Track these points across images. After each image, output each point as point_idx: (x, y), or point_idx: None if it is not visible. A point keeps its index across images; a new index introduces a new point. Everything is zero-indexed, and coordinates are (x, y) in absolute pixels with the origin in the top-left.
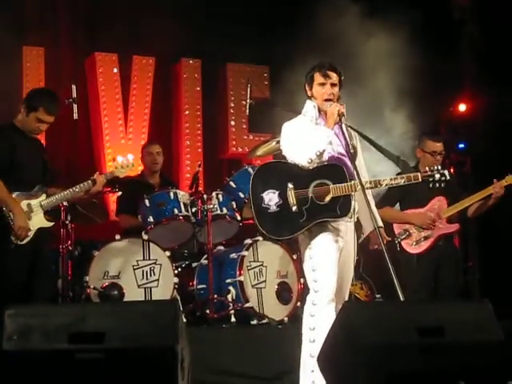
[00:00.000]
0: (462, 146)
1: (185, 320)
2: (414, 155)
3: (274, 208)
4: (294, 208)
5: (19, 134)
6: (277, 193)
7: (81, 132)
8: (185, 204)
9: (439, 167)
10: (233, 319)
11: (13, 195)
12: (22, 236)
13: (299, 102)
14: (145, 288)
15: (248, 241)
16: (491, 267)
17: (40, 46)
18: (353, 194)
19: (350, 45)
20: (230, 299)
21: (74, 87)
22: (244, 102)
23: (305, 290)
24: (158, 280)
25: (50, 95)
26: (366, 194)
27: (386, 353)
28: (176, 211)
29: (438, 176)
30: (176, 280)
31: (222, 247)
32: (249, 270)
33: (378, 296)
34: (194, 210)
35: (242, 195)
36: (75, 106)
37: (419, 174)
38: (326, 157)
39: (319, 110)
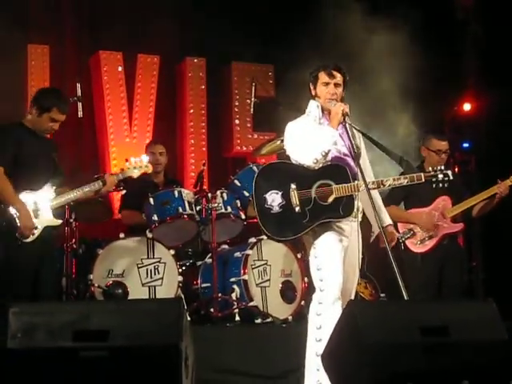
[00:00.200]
0: (466, 145)
1: (189, 318)
2: (419, 154)
3: (276, 209)
4: (297, 208)
5: (28, 134)
6: (280, 193)
7: (85, 130)
8: (189, 202)
9: (442, 167)
10: (237, 318)
11: (21, 193)
12: (26, 235)
13: (304, 101)
14: (149, 286)
15: (252, 239)
16: (495, 267)
17: (45, 45)
18: (356, 194)
19: (353, 44)
20: (234, 298)
21: (78, 85)
22: (249, 101)
23: (309, 289)
24: (162, 278)
25: (61, 95)
26: (370, 194)
27: (390, 352)
28: (180, 210)
29: (441, 176)
30: (180, 278)
31: (226, 246)
32: (253, 268)
33: (382, 295)
34: (198, 208)
35: (246, 194)
36: (80, 105)
37: (422, 174)
38: (329, 157)
39: (322, 110)
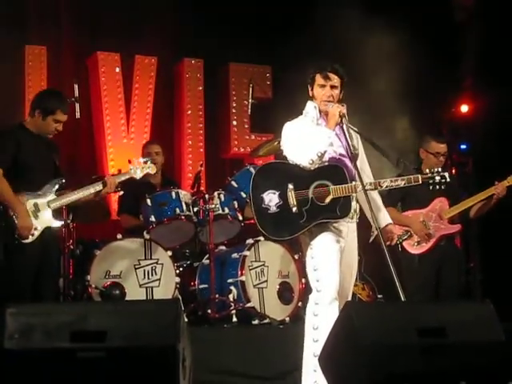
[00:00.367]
0: (463, 146)
1: (186, 320)
2: (417, 156)
3: (274, 209)
4: (294, 209)
5: (29, 135)
6: (277, 193)
7: (83, 131)
8: (187, 204)
9: (439, 169)
10: (234, 319)
11: (20, 195)
12: (24, 236)
13: (301, 102)
14: (146, 287)
15: (250, 241)
16: (493, 268)
17: (42, 45)
18: (353, 195)
19: (351, 45)
20: (231, 299)
21: (76, 86)
22: (246, 102)
23: (306, 290)
24: (159, 280)
25: (62, 96)
26: (367, 195)
27: (387, 353)
28: (178, 211)
29: (438, 178)
30: (177, 280)
31: (223, 247)
32: (250, 269)
33: (379, 296)
34: (195, 209)
35: (243, 195)
36: (77, 105)
37: (419, 176)
38: (326, 158)
39: (320, 111)
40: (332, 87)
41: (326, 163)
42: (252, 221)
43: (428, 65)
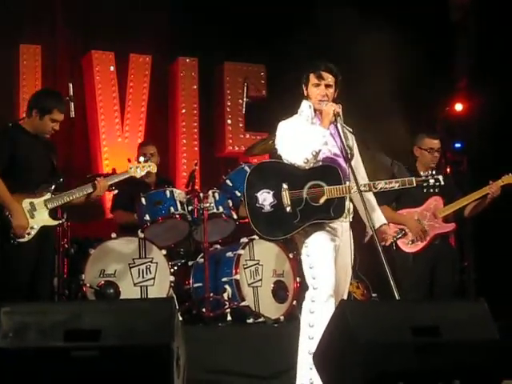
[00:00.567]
0: (458, 145)
1: (181, 318)
2: (411, 154)
3: (268, 208)
4: (288, 209)
5: (25, 135)
6: (271, 193)
7: (77, 130)
8: (181, 202)
9: (434, 172)
10: (229, 318)
11: (17, 194)
12: (19, 234)
13: (296, 101)
14: (141, 286)
15: (244, 239)
16: (487, 267)
17: (37, 44)
18: (347, 195)
19: (345, 45)
20: (226, 298)
21: (70, 85)
22: (241, 101)
23: (301, 289)
24: (154, 278)
25: (58, 95)
26: (362, 195)
27: (381, 352)
28: (172, 209)
29: (432, 181)
30: (172, 278)
31: (218, 246)
32: (245, 268)
33: (374, 295)
34: (190, 208)
35: (238, 194)
36: (72, 104)
37: (414, 178)
38: (321, 157)
39: (315, 110)
40: (326, 86)
41: (321, 163)
42: (246, 219)
43: (422, 64)
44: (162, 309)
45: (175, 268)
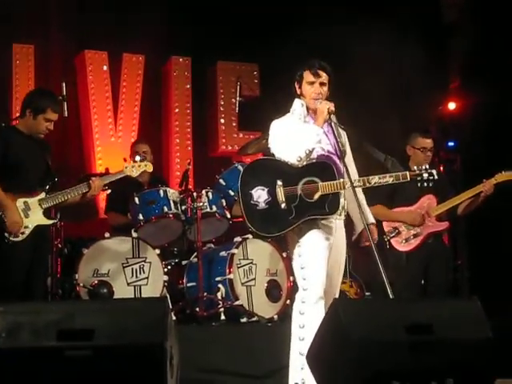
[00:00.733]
0: (451, 144)
1: (174, 318)
2: (404, 153)
3: (262, 205)
4: (283, 205)
5: (19, 135)
6: (266, 190)
7: (70, 130)
8: (174, 202)
9: (427, 166)
10: (222, 317)
11: (11, 193)
12: (14, 231)
13: (289, 100)
14: (134, 286)
15: (238, 239)
16: (480, 265)
17: (30, 44)
18: (341, 191)
19: (338, 44)
20: (219, 297)
21: (63, 85)
22: (234, 100)
23: (294, 288)
24: (147, 278)
25: (52, 95)
26: (355, 192)
27: (375, 350)
28: (166, 209)
29: (426, 175)
30: (165, 278)
31: (211, 245)
32: (238, 267)
33: (367, 294)
34: (183, 207)
35: (231, 193)
36: (65, 104)
37: (408, 172)
38: (315, 155)
39: (307, 108)
40: (321, 84)
41: (314, 160)
42: (240, 219)
43: (415, 63)
44: (155, 308)
45: (169, 267)
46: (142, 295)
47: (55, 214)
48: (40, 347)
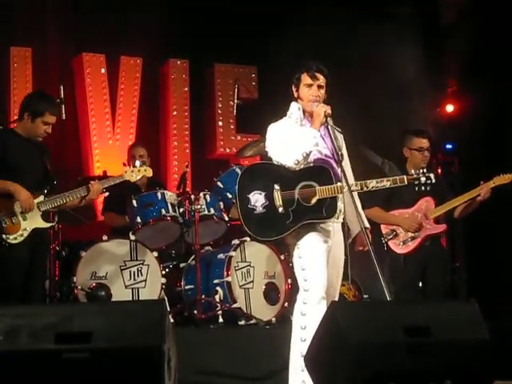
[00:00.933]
0: (449, 146)
1: (172, 320)
2: (401, 155)
3: (260, 209)
4: (280, 209)
5: (17, 138)
6: (263, 194)
7: (68, 133)
8: (172, 204)
9: (425, 170)
10: (220, 320)
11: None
12: (30, 207)
13: (287, 102)
14: (132, 289)
15: (235, 241)
16: (478, 267)
17: (27, 47)
18: (339, 195)
19: (337, 46)
20: (217, 300)
21: (61, 88)
22: (232, 103)
23: (292, 291)
24: (145, 281)
25: (50, 98)
26: (352, 196)
27: (373, 352)
28: (163, 212)
29: (423, 179)
30: (163, 280)
31: (209, 248)
32: (236, 270)
33: (365, 296)
34: (181, 210)
35: (229, 196)
36: (63, 107)
37: (405, 177)
38: (312, 159)
39: (304, 112)
40: (318, 87)
41: (311, 164)
42: (238, 221)
43: (413, 65)
44: (153, 311)
45: (167, 270)
46: (140, 298)
47: (53, 216)
48: (38, 350)
